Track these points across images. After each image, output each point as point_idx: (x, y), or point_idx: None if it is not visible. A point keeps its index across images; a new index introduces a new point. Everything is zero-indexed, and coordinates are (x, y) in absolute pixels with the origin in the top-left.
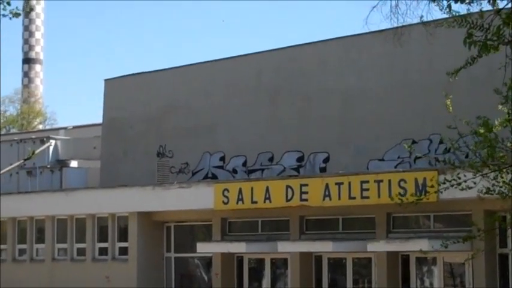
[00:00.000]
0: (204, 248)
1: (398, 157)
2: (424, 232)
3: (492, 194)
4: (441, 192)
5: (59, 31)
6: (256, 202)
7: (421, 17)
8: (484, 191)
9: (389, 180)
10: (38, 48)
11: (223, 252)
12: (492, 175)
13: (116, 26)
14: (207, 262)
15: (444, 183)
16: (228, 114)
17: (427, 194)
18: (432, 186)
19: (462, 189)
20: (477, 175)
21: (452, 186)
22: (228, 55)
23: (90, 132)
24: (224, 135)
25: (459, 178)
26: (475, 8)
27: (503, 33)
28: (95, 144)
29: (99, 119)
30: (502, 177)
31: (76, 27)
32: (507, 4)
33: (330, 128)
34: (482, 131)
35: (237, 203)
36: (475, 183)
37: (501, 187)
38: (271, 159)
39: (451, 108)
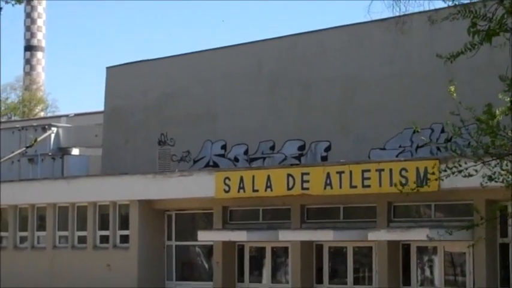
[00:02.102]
0: (205, 236)
1: (400, 146)
2: (425, 221)
3: (496, 182)
4: (442, 179)
5: (61, 18)
6: (257, 190)
7: (429, 16)
8: (487, 178)
9: (391, 169)
10: (40, 36)
11: (224, 241)
12: (493, 163)
13: (118, 13)
14: (208, 250)
15: (445, 170)
16: (230, 102)
17: (428, 181)
18: (433, 173)
19: (464, 176)
20: (478, 163)
21: (453, 173)
22: (229, 43)
23: (91, 120)
24: (225, 124)
25: (460, 166)
26: None
27: (506, 22)
28: (97, 132)
29: (100, 107)
30: (507, 165)
31: (78, 14)
32: None
33: (332, 117)
34: (484, 117)
35: (238, 191)
36: (476, 170)
37: (504, 175)
38: (272, 148)
39: (455, 94)
